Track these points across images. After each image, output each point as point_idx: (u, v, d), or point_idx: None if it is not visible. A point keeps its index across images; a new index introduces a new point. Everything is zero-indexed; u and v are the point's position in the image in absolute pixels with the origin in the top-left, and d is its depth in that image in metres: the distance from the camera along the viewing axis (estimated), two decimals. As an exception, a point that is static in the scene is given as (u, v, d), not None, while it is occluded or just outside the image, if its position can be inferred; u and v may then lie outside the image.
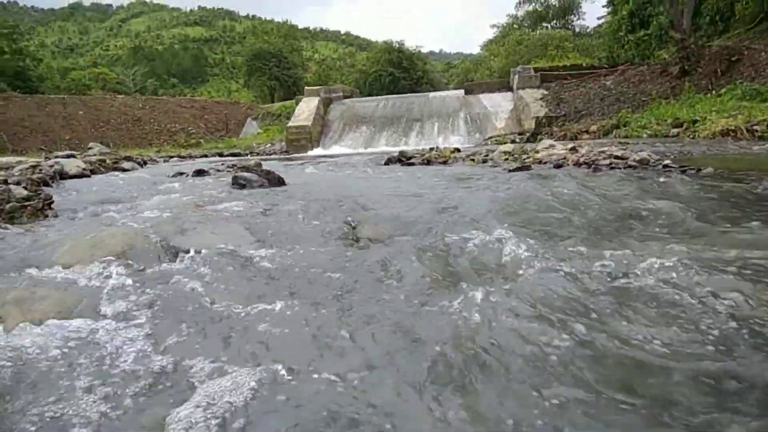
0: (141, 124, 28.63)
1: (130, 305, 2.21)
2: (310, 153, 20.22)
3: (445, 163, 8.14)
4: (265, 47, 39.81)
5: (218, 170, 7.80)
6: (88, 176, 7.16)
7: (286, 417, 1.39)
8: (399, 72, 38.29)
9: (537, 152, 7.34)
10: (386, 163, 9.04)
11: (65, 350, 1.82)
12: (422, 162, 8.40)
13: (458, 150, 9.92)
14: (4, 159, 8.29)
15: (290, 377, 1.59)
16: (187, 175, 7.44)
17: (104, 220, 3.87)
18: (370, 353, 1.76)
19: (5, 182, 5.40)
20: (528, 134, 17.14)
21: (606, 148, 6.92)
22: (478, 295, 2.14)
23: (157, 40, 75.70)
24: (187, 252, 2.88)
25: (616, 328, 1.84)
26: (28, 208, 3.96)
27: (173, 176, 7.48)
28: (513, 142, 16.84)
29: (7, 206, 3.86)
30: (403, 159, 9.10)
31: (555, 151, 6.94)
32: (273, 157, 18.55)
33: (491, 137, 18.16)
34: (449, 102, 22.53)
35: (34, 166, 6.68)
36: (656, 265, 2.35)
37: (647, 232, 3.04)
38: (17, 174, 6.27)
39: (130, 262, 2.75)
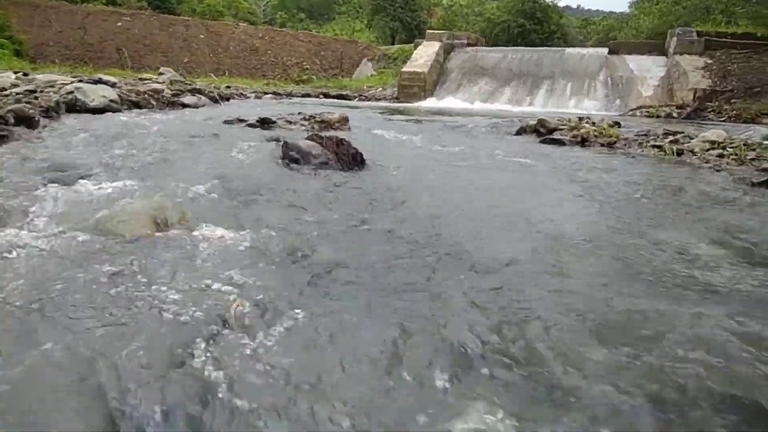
0: (258, 54, 27.02)
1: None
2: (422, 103, 17.53)
3: (611, 146, 5.28)
4: (393, -14, 36.60)
5: (290, 122, 5.44)
6: (116, 111, 5.05)
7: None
8: (530, 24, 34.01)
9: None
10: (518, 133, 6.29)
11: None
12: (573, 140, 5.59)
13: (618, 124, 6.92)
14: (42, 77, 6.44)
15: None
16: (245, 124, 5.17)
17: None
18: None
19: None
20: (689, 109, 13.40)
21: None
22: None
23: (291, -26, 73.23)
24: None
25: None
26: None
27: (225, 123, 5.24)
28: (668, 116, 13.27)
29: None
30: (543, 131, 6.29)
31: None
32: (381, 103, 16.06)
33: (641, 107, 14.54)
34: (588, 61, 18.76)
35: (32, 91, 4.64)
36: None
37: None
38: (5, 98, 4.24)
39: None
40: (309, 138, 3.52)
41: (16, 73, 6.91)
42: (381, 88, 20.59)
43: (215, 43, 26.49)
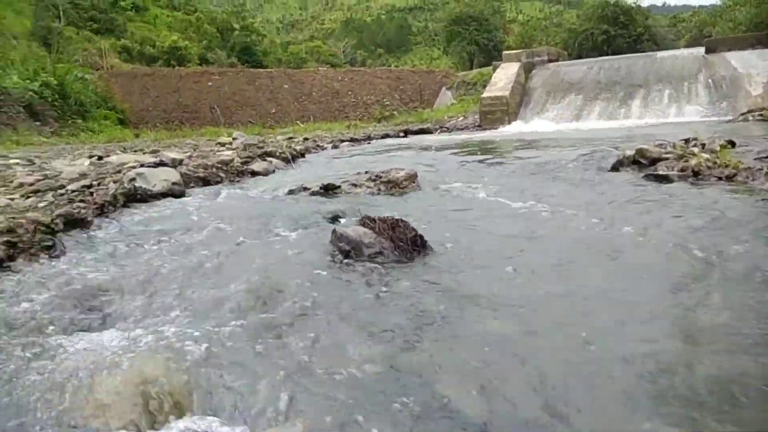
0: (339, 96, 27.40)
1: None
2: (507, 128, 16.75)
3: (730, 179, 4.37)
4: (465, 10, 36.21)
5: (355, 184, 5.01)
6: (178, 194, 4.85)
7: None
8: (615, 29, 32.20)
9: None
10: (615, 168, 5.47)
11: None
12: (681, 173, 4.70)
13: (732, 144, 5.88)
14: (115, 159, 6.46)
15: None
16: (308, 193, 4.81)
17: None
18: None
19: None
20: (814, 106, 11.68)
21: None
22: None
23: (366, 12, 75.04)
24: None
25: None
26: None
27: (288, 194, 4.90)
28: (789, 117, 11.60)
29: None
30: (643, 162, 5.43)
31: None
32: (462, 135, 15.46)
33: (752, 111, 12.90)
34: (684, 63, 17.15)
35: (89, 186, 4.50)
36: None
37: None
38: (51, 197, 4.12)
39: None
40: (361, 222, 3.03)
41: (91, 158, 7.05)
42: (462, 117, 20.02)
43: (299, 91, 27.17)
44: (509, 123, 17.47)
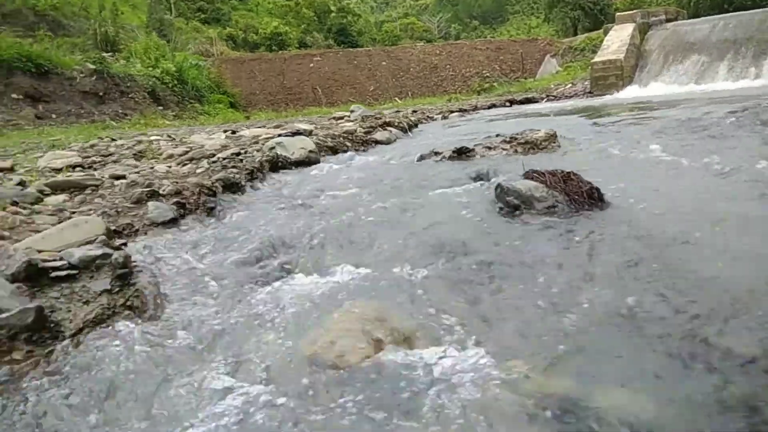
0: (437, 71, 27.00)
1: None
2: (622, 94, 15.73)
3: None
4: (569, -26, 34.23)
5: (489, 147, 4.85)
6: (314, 162, 4.94)
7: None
8: (738, -18, 29.22)
9: None
10: (774, 123, 4.93)
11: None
12: None
13: None
14: (248, 132, 6.71)
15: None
16: (441, 157, 4.71)
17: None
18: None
19: (152, 194, 3.35)
20: None
21: None
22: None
23: (461, -16, 73.17)
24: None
25: None
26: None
27: (420, 159, 4.83)
28: None
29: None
30: (812, 114, 4.86)
31: None
32: (573, 101, 14.71)
33: None
34: (831, 12, 15.24)
35: (237, 153, 4.68)
36: None
37: None
38: (206, 165, 4.30)
39: None
40: (527, 176, 2.88)
41: (225, 132, 7.37)
42: (570, 84, 19.07)
43: (396, 68, 27.08)
44: (623, 88, 16.41)
